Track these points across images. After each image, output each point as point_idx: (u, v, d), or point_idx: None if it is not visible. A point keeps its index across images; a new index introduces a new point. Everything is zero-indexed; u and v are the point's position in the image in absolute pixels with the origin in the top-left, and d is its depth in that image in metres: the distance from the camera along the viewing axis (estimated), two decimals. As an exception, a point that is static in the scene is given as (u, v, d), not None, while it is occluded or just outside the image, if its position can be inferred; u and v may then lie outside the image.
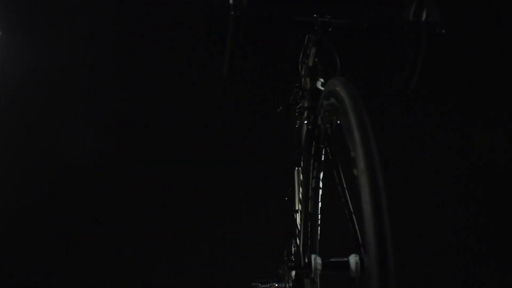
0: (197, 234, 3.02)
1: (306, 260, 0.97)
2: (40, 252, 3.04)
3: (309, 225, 1.04)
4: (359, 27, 1.25)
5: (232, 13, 1.14)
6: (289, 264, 0.99)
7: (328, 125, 1.06)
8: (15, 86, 3.17)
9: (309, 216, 1.04)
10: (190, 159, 3.14)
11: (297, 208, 1.52)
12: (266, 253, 2.07)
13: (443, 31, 1.05)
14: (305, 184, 1.08)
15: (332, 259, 0.97)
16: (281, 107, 2.14)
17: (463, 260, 2.74)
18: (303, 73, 1.27)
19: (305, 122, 1.17)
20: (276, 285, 1.52)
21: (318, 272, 0.96)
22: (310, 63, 1.26)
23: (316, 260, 0.97)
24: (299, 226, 1.44)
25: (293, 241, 1.71)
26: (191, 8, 3.15)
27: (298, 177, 1.88)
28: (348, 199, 1.06)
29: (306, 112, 1.19)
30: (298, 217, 1.46)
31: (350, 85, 0.81)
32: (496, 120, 2.92)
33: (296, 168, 1.90)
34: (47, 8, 3.22)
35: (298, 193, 1.82)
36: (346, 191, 1.08)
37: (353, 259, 0.96)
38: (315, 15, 1.25)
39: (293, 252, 1.67)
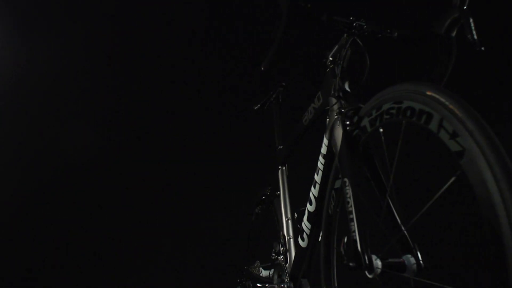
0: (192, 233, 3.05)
1: (367, 260, 0.97)
2: (38, 251, 3.02)
3: (357, 225, 1.04)
4: (390, 35, 1.28)
5: (286, 11, 1.12)
6: (350, 264, 0.98)
7: (381, 129, 1.07)
8: (14, 86, 3.11)
9: (359, 217, 1.04)
10: (186, 159, 3.15)
11: (304, 208, 1.52)
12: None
13: (483, 48, 1.12)
14: (351, 183, 1.09)
15: (390, 260, 0.99)
16: (258, 105, 2.12)
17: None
18: (338, 73, 1.27)
19: (347, 122, 1.17)
20: (276, 286, 1.50)
21: (378, 271, 0.97)
22: (345, 64, 1.27)
23: (377, 261, 0.98)
24: (304, 226, 1.44)
25: (281, 240, 1.71)
26: (190, 8, 3.12)
27: (282, 176, 1.88)
28: (390, 202, 1.09)
29: (346, 113, 1.19)
30: (305, 216, 1.46)
31: (451, 92, 0.84)
32: (498, 120, 3.08)
33: (280, 167, 1.90)
34: (46, 9, 3.13)
35: (284, 192, 1.82)
36: (388, 194, 1.11)
37: (408, 260, 0.99)
38: (351, 18, 1.27)
39: (281, 252, 1.67)
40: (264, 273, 1.98)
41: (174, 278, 3.05)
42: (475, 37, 1.14)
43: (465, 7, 1.17)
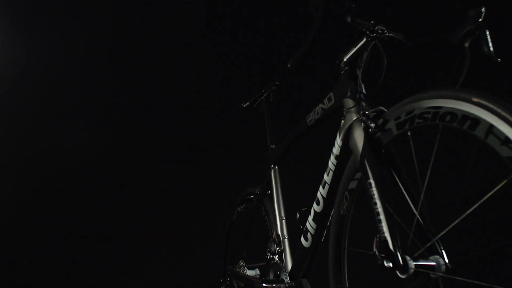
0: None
1: (401, 261, 0.99)
2: (37, 251, 3.02)
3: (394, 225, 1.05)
4: (406, 41, 1.32)
5: (319, 15, 1.13)
6: (386, 265, 0.99)
7: (409, 132, 1.09)
8: (13, 86, 3.08)
9: (394, 217, 1.06)
10: (172, 158, 3.18)
11: (305, 208, 1.52)
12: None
13: (499, 60, 1.18)
14: (377, 184, 1.10)
15: (421, 261, 1.01)
16: (248, 103, 2.10)
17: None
18: (359, 75, 1.28)
19: (372, 125, 1.18)
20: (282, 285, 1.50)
21: (412, 271, 0.99)
22: (365, 67, 1.28)
23: (410, 261, 1.00)
24: (309, 226, 1.45)
25: (276, 240, 1.70)
26: (190, 9, 3.13)
27: (275, 176, 1.87)
28: (410, 204, 1.11)
29: (369, 115, 1.20)
30: (311, 215, 1.46)
31: (501, 100, 0.87)
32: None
33: (272, 166, 1.89)
34: (46, 8, 3.09)
35: (277, 191, 1.82)
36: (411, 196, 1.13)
37: (437, 261, 1.01)
38: (372, 22, 1.29)
39: (276, 252, 1.66)
40: (249, 272, 1.97)
41: (156, 277, 3.05)
42: (491, 49, 1.19)
43: (480, 20, 1.21)
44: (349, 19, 1.25)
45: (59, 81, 3.19)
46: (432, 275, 1.02)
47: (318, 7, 1.15)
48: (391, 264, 1.00)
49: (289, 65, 1.23)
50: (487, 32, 1.20)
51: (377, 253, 1.02)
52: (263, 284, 1.50)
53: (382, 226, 1.05)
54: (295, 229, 1.75)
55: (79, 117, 3.21)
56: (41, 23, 3.14)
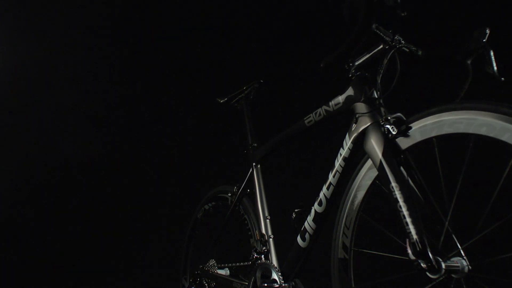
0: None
1: (434, 262, 1.04)
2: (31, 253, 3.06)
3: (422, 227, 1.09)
4: (416, 52, 1.38)
5: (361, 24, 1.14)
6: (420, 266, 1.03)
7: (434, 139, 1.15)
8: (12, 86, 3.03)
9: (419, 219, 1.10)
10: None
11: (297, 209, 1.52)
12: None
13: (502, 79, 1.28)
14: (402, 188, 1.14)
15: (448, 262, 1.07)
16: (226, 99, 2.06)
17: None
18: (378, 81, 1.31)
19: (394, 131, 1.21)
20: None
21: (443, 272, 1.04)
22: (383, 74, 1.32)
23: (442, 263, 1.05)
24: (308, 226, 1.46)
25: (261, 239, 1.69)
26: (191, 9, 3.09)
27: (258, 175, 1.86)
28: (435, 206, 1.17)
29: (390, 121, 1.23)
30: (311, 216, 1.46)
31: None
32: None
33: (255, 165, 1.87)
34: (45, 7, 3.00)
35: (261, 190, 1.80)
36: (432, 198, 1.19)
37: (461, 262, 1.08)
38: (390, 31, 1.33)
39: (262, 251, 1.65)
40: (220, 272, 1.92)
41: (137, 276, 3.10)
42: (495, 69, 1.29)
43: (484, 40, 1.30)
44: (373, 26, 1.27)
45: (57, 81, 3.14)
46: (455, 276, 1.08)
47: (359, 13, 1.15)
48: (426, 265, 1.03)
49: (321, 65, 1.22)
50: (491, 53, 1.29)
51: (411, 254, 1.05)
52: (264, 284, 1.48)
53: (410, 229, 1.09)
54: (280, 228, 1.75)
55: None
56: (40, 22, 3.05)
